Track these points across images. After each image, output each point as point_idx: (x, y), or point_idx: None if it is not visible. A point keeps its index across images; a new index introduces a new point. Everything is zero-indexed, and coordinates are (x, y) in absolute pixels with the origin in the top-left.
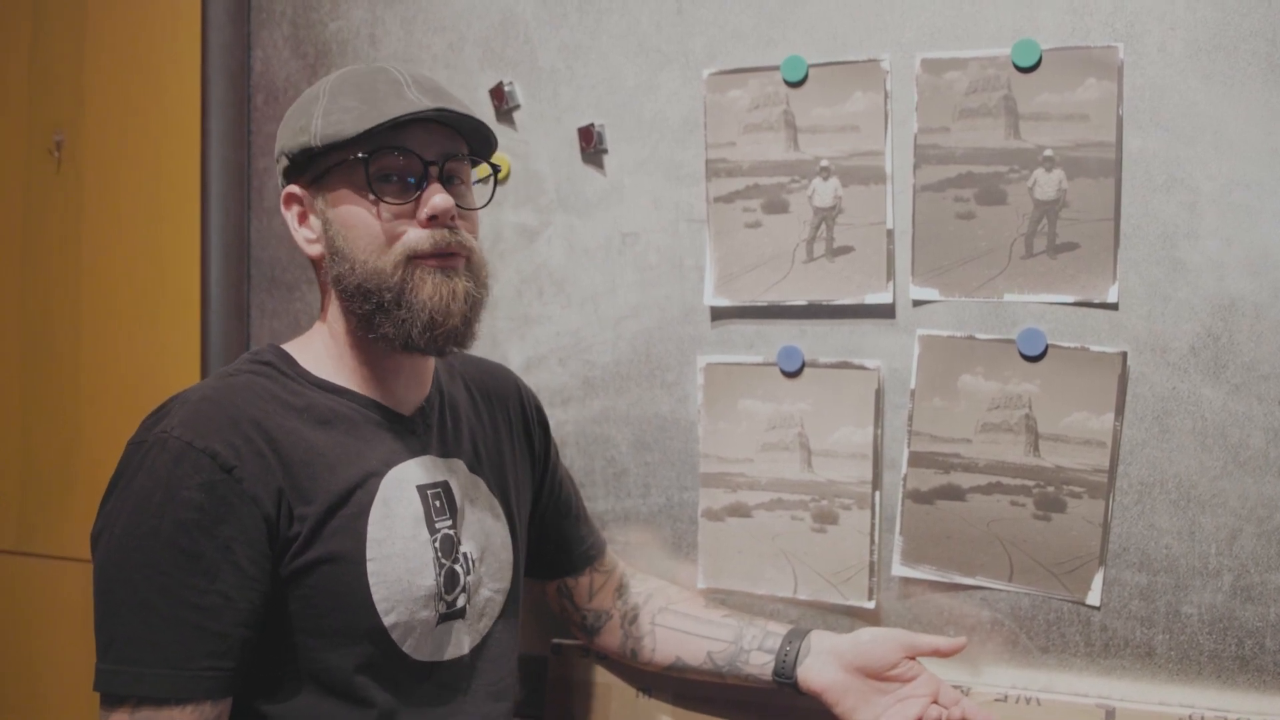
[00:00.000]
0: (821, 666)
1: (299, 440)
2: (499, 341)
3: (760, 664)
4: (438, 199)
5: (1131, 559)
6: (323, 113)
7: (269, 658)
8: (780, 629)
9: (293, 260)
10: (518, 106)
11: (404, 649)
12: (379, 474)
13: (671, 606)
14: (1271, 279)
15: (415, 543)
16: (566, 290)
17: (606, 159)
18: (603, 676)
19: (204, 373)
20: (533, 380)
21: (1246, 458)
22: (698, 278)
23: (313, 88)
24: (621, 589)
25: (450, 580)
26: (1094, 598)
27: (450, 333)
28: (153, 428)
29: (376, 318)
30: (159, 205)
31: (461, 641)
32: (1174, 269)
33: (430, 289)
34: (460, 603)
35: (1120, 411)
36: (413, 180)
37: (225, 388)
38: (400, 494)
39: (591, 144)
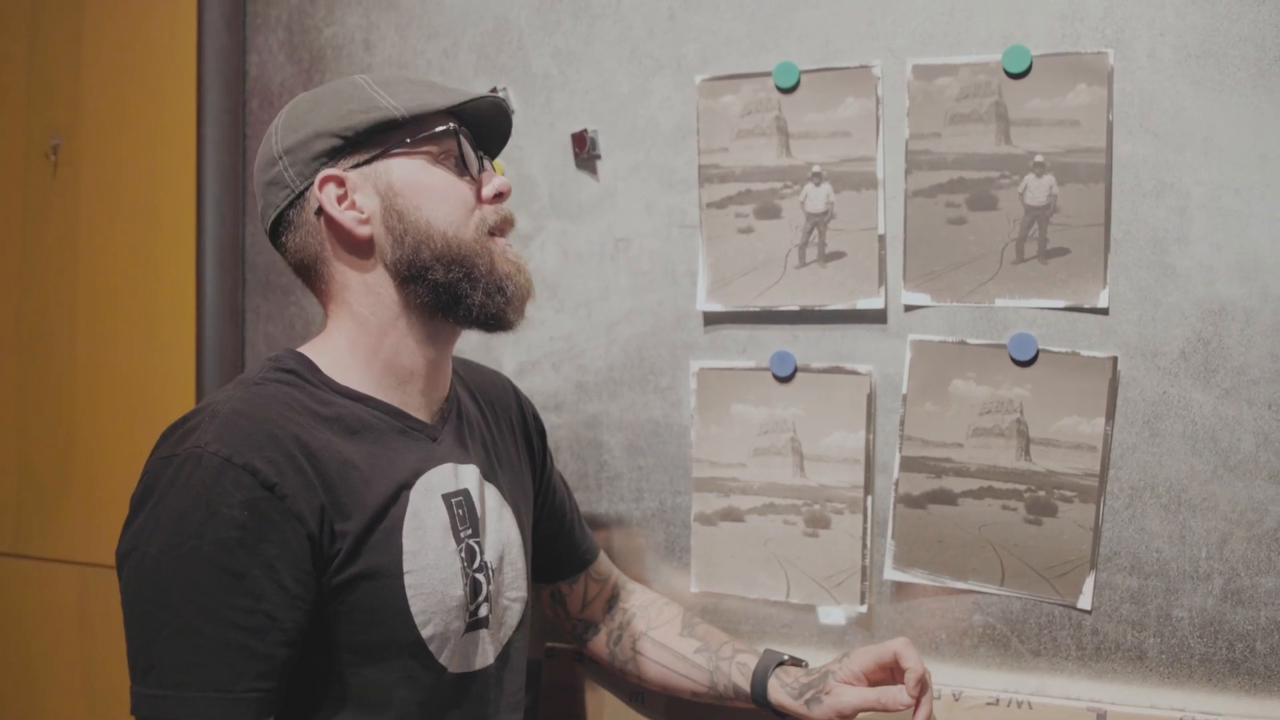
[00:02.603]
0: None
1: (334, 454)
2: (492, 346)
3: (746, 706)
4: (499, 179)
5: (1122, 563)
6: (388, 93)
7: (308, 675)
8: (744, 678)
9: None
10: (511, 112)
11: (440, 660)
12: (409, 485)
13: (650, 633)
14: (1261, 283)
15: (445, 552)
16: (560, 295)
17: (599, 164)
18: (596, 681)
19: (199, 376)
20: (525, 385)
21: (1236, 462)
22: (690, 283)
23: (335, 84)
24: (612, 603)
25: (474, 589)
26: (1085, 601)
27: (524, 302)
28: (182, 442)
29: (463, 287)
30: (155, 209)
31: (487, 651)
32: (1164, 274)
33: (505, 263)
34: (483, 612)
35: (1111, 416)
36: (469, 162)
37: (256, 398)
38: (429, 504)
39: (585, 149)
